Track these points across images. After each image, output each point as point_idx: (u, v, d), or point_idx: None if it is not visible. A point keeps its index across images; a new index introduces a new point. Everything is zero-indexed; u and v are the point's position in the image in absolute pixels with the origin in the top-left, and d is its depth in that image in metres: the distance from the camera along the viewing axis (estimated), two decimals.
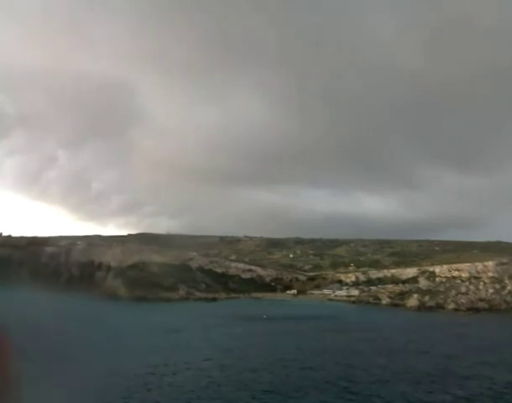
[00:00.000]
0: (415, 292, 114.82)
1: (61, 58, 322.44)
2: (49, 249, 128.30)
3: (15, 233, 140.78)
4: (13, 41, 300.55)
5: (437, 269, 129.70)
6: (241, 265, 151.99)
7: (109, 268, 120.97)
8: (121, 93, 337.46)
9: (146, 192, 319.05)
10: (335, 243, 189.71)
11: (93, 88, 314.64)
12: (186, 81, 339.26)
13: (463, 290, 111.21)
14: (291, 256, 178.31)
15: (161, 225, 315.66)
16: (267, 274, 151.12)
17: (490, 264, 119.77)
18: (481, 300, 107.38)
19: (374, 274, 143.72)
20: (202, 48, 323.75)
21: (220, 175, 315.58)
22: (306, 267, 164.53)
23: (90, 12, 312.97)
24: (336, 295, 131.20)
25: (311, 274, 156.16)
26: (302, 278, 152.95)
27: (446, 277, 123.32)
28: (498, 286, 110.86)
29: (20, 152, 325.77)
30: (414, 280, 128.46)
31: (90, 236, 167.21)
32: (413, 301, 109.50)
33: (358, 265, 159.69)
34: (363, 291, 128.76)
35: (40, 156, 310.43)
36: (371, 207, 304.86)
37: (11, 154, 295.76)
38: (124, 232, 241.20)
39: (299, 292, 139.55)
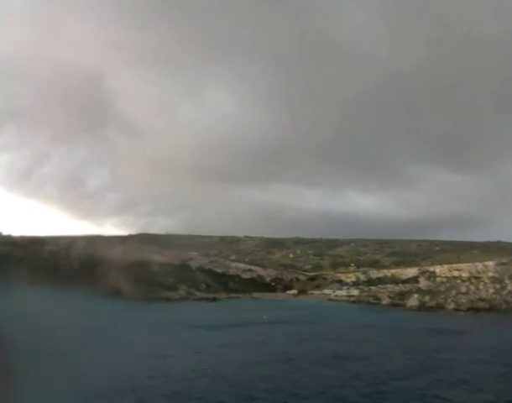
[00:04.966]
0: (416, 292, 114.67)
1: (50, 51, 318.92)
2: (49, 247, 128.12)
3: (14, 233, 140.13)
4: None
5: (437, 269, 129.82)
6: (241, 265, 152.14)
7: (111, 264, 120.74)
8: (116, 91, 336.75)
9: (142, 191, 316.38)
10: (335, 243, 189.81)
11: (87, 84, 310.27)
12: (185, 79, 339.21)
13: (463, 290, 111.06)
14: (291, 256, 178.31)
15: (158, 224, 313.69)
16: (267, 274, 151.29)
17: (490, 264, 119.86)
18: (481, 300, 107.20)
19: (374, 274, 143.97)
20: (200, 45, 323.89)
21: (217, 174, 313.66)
22: (306, 267, 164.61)
23: (78, 7, 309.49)
24: (336, 296, 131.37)
25: (311, 274, 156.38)
26: (302, 278, 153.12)
27: (446, 277, 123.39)
28: (498, 286, 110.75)
29: (11, 148, 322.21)
30: (414, 279, 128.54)
31: (90, 235, 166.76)
32: (413, 301, 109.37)
33: (358, 265, 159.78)
34: (363, 291, 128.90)
35: (31, 153, 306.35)
36: (372, 207, 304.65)
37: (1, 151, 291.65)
38: (121, 232, 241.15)
39: (299, 292, 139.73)
